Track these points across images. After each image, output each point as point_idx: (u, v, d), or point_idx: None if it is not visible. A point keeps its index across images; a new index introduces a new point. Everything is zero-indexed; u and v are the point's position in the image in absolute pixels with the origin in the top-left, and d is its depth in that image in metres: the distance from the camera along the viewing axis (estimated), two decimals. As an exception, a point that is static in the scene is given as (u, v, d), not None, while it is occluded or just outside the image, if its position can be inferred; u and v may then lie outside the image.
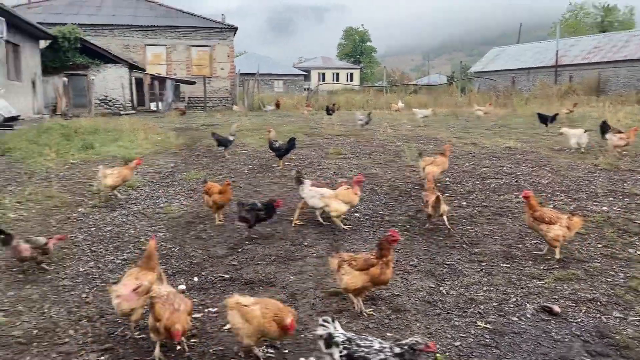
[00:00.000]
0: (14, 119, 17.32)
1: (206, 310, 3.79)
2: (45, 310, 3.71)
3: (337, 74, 67.00)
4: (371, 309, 3.71)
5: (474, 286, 4.12)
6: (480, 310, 3.71)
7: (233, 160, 9.79)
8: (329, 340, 2.67)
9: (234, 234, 5.56)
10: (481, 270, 4.46)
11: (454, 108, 22.59)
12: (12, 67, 21.18)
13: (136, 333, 3.36)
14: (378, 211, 6.23)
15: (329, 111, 17.95)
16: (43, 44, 26.25)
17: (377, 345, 2.58)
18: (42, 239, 4.39)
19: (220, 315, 3.68)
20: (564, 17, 60.20)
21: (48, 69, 26.14)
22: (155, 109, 28.57)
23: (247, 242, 5.25)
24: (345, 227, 5.62)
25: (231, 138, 10.23)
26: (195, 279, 4.37)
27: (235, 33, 33.20)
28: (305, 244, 5.16)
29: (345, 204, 5.45)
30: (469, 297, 3.93)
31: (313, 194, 5.59)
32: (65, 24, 27.20)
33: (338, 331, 2.71)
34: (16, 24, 20.19)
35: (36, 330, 3.40)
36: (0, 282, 4.18)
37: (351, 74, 67.86)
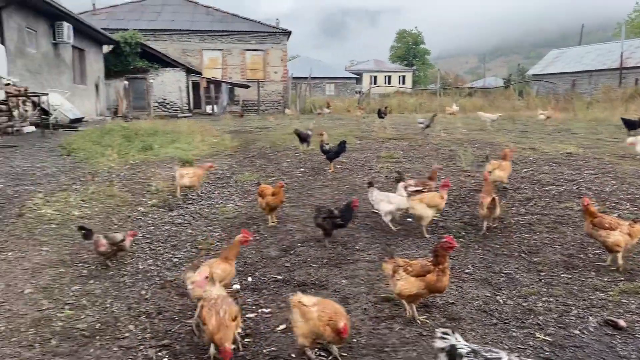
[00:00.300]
0: (79, 120, 18.17)
1: (259, 310, 3.83)
2: (107, 305, 3.86)
3: (389, 77, 66.56)
4: (425, 317, 3.65)
5: (533, 296, 3.98)
6: (539, 322, 3.58)
7: (285, 163, 9.89)
8: (452, 353, 2.50)
9: (286, 235, 5.61)
10: (540, 280, 4.31)
11: (511, 112, 21.94)
12: (77, 71, 22.25)
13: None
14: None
15: (381, 114, 17.83)
16: (106, 48, 27.44)
17: (505, 358, 2.42)
18: (119, 236, 4.58)
19: (273, 316, 3.72)
20: (629, 18, 57.36)
21: (110, 73, 27.29)
22: (210, 112, 29.29)
23: (299, 244, 5.28)
24: (395, 228, 5.61)
25: (310, 133, 11.40)
26: (249, 279, 4.43)
27: (288, 37, 33.59)
28: (357, 247, 5.15)
29: (431, 207, 5.35)
30: (528, 308, 3.79)
31: (381, 198, 5.62)
32: (127, 29, 28.33)
33: (461, 342, 2.55)
34: (82, 30, 21.19)
35: (99, 324, 3.54)
36: (66, 277, 4.38)
37: (403, 77, 67.25)
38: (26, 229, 5.61)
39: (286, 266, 4.72)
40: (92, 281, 4.30)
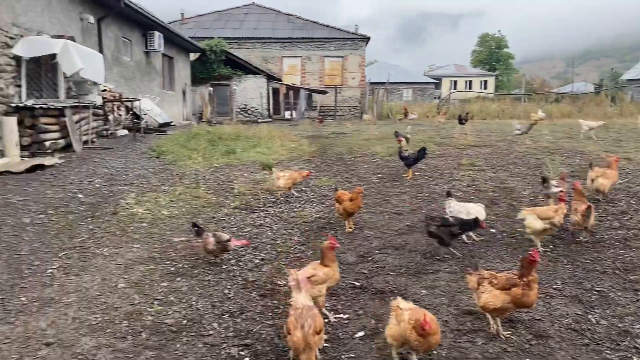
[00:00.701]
0: (167, 124, 19.15)
1: (337, 315, 3.84)
2: (193, 302, 4.02)
3: (470, 82, 64.79)
4: (509, 332, 3.50)
5: (629, 317, 3.71)
6: (637, 345, 3.33)
7: (362, 169, 9.88)
8: None
9: (363, 242, 5.60)
10: (638, 300, 4.00)
11: (603, 119, 20.63)
12: (166, 77, 23.49)
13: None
14: (516, 228, 5.87)
15: (462, 120, 17.39)
16: (193, 56, 28.75)
17: None
18: (225, 235, 4.76)
19: (351, 322, 3.72)
20: None
21: (196, 79, 28.59)
22: (289, 117, 29.87)
23: (377, 252, 5.25)
24: (471, 240, 5.44)
25: (408, 136, 11.92)
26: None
27: (367, 43, 33.64)
28: (437, 257, 5.03)
29: (542, 220, 5.10)
30: (623, 329, 3.54)
31: (459, 209, 5.48)
32: (213, 37, 29.56)
33: None
34: (171, 39, 22.36)
35: (185, 321, 3.70)
36: (155, 273, 4.61)
37: (485, 82, 65.21)
38: (120, 227, 5.98)
39: (364, 273, 4.71)
40: (179, 278, 4.50)
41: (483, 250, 5.21)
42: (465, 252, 5.18)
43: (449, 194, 5.88)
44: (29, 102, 10.58)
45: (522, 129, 13.30)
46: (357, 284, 4.44)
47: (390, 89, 35.70)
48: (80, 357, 3.18)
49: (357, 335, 3.54)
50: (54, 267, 4.71)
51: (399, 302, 3.15)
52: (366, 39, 33.41)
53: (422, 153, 8.74)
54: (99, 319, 3.70)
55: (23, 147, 10.37)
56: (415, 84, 58.33)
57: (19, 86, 10.84)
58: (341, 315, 3.83)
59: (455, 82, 64.38)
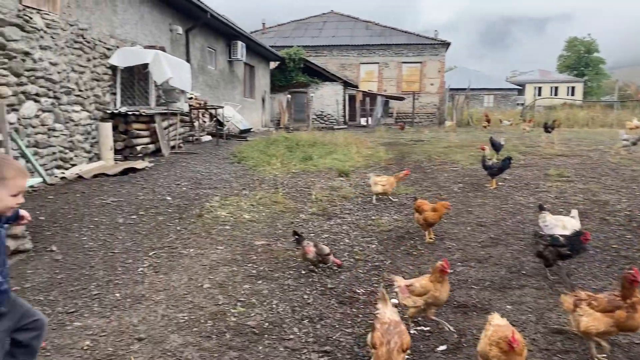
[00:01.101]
0: (247, 131, 19.74)
1: (418, 328, 3.76)
2: (274, 305, 4.09)
3: (556, 88, 61.73)
4: (604, 355, 3.27)
5: None
6: None
7: (442, 177, 9.67)
8: None
9: (444, 253, 5.46)
10: None
11: None
12: (247, 86, 24.24)
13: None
14: (611, 244, 5.50)
15: (548, 128, 16.57)
16: (272, 64, 29.48)
17: None
18: (326, 249, 4.83)
19: (433, 335, 3.63)
20: None
21: (275, 87, 29.27)
22: (365, 124, 29.84)
23: (459, 264, 5.10)
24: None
25: (503, 143, 11.63)
26: (407, 294, 4.38)
27: (447, 48, 32.97)
28: (524, 272, 4.81)
29: None
30: None
31: (556, 223, 5.21)
32: (292, 46, 30.17)
33: None
34: (253, 48, 23.05)
35: (267, 324, 3.77)
36: (238, 275, 4.74)
37: (572, 88, 61.87)
38: (205, 229, 6.22)
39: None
40: (260, 281, 4.61)
41: (574, 267, 4.92)
42: (553, 268, 4.92)
43: (541, 208, 5.57)
44: (123, 109, 11.28)
45: (632, 139, 12.16)
46: (438, 295, 4.33)
47: (470, 95, 34.72)
48: (168, 353, 3.32)
49: (438, 349, 3.45)
50: (144, 265, 4.97)
51: (493, 317, 3.02)
52: (446, 45, 32.75)
53: (506, 162, 8.42)
54: (186, 317, 3.85)
55: (117, 151, 11.07)
56: (496, 90, 56.39)
57: (114, 94, 11.59)
58: (422, 328, 3.75)
59: (540, 88, 61.56)
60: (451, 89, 35.18)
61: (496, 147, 11.45)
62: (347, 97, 30.82)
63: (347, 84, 30.85)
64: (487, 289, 4.44)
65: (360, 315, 3.93)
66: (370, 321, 3.77)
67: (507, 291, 4.38)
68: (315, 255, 4.76)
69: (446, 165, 11.02)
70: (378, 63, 33.15)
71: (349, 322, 3.82)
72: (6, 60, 8.05)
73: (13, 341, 2.51)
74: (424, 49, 32.76)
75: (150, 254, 5.30)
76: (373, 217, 6.92)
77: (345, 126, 28.84)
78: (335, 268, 4.92)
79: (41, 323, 2.58)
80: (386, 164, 11.67)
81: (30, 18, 8.61)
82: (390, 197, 7.91)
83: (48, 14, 9.14)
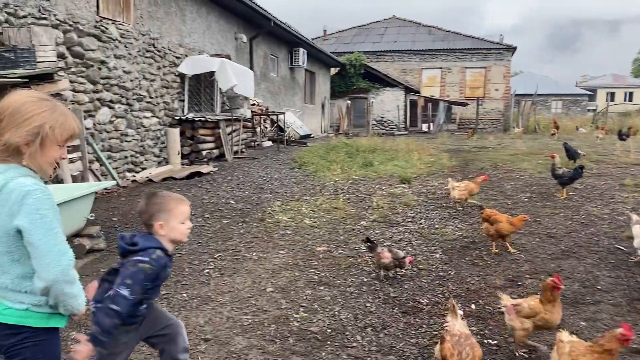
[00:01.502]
0: (307, 136, 19.91)
1: (485, 341, 3.64)
2: (336, 312, 4.08)
3: (630, 94, 58.49)
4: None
5: None
6: None
7: (508, 186, 9.35)
8: None
9: (512, 264, 5.26)
10: None
11: None
12: (308, 92, 24.49)
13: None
14: (696, 260, 5.12)
15: (622, 136, 15.69)
16: (333, 70, 29.64)
17: None
18: (401, 253, 4.79)
19: (500, 350, 3.50)
20: None
21: (335, 93, 29.41)
22: (426, 130, 29.41)
23: (527, 276, 4.90)
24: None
25: (580, 152, 11.25)
26: (473, 306, 4.25)
27: (513, 53, 32.00)
28: (599, 287, 4.55)
29: None
30: None
31: None
32: (353, 52, 30.23)
33: None
34: (314, 55, 23.28)
35: (329, 330, 3.76)
36: (300, 280, 4.77)
37: (649, 93, 58.41)
38: (267, 233, 6.31)
39: (513, 298, 4.41)
40: (322, 287, 4.61)
41: (655, 284, 4.61)
42: (631, 282, 4.63)
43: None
44: (190, 115, 11.68)
45: None
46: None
47: (537, 101, 33.49)
48: (234, 355, 3.38)
49: (507, 364, 3.32)
50: (210, 267, 5.10)
51: (562, 334, 2.90)
52: (512, 49, 31.78)
53: (578, 171, 8.03)
54: (250, 320, 3.91)
55: (183, 156, 11.47)
56: (565, 95, 54.06)
57: (182, 101, 12.02)
58: (489, 341, 3.63)
59: (613, 93, 58.52)
60: (517, 95, 34.10)
61: (571, 154, 11.01)
62: (408, 103, 30.51)
63: (408, 90, 30.54)
64: (558, 304, 4.23)
65: (424, 326, 3.85)
66: (436, 332, 3.69)
67: (580, 307, 4.16)
68: (391, 260, 4.71)
69: (512, 173, 10.65)
70: (441, 68, 32.62)
71: (413, 332, 3.75)
72: (84, 69, 8.52)
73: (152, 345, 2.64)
74: (488, 53, 31.94)
75: (215, 256, 5.44)
76: (437, 226, 6.78)
77: (406, 132, 28.54)
78: (400, 277, 4.86)
79: (175, 327, 2.63)
80: (449, 171, 11.42)
81: (106, 28, 9.08)
82: (472, 201, 7.78)
83: (122, 25, 9.61)
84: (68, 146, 6.63)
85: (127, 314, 2.17)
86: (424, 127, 30.01)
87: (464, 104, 30.96)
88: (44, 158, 1.79)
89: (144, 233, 2.39)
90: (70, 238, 5.27)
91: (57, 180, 7.08)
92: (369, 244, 4.98)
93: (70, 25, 8.18)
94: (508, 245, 5.69)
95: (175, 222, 2.38)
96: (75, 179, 7.36)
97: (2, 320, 1.78)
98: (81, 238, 5.38)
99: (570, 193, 8.29)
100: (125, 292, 2.15)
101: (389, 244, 5.97)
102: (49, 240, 1.69)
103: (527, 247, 5.79)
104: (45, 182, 5.37)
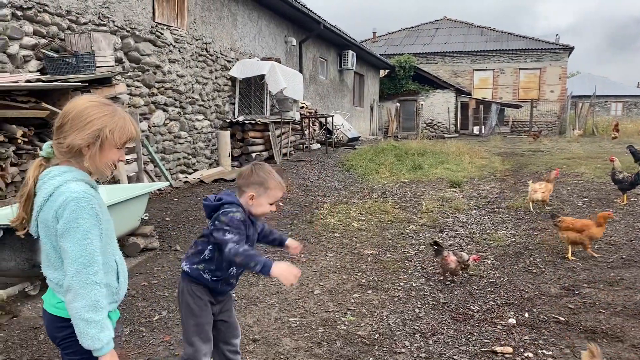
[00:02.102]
0: (356, 139, 19.86)
1: (540, 351, 3.50)
2: (384, 317, 4.03)
3: (699, 94, 55.16)
4: None
5: None
6: None
7: (564, 191, 9.01)
8: None
9: (568, 272, 5.05)
10: None
11: None
12: (357, 94, 24.44)
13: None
14: None
15: (689, 139, 14.86)
16: (382, 72, 29.47)
17: None
18: (465, 255, 4.76)
19: (556, 362, 3.36)
20: None
21: (384, 95, 29.23)
22: (477, 133, 28.77)
23: (585, 285, 4.69)
24: None
25: None
26: (526, 314, 4.11)
27: (570, 53, 30.86)
28: (664, 299, 4.31)
29: None
30: None
31: None
32: (402, 54, 29.95)
33: None
34: (363, 57, 23.21)
35: (377, 335, 3.72)
36: (348, 283, 4.75)
37: None
38: (314, 235, 6.32)
39: (569, 307, 4.23)
40: (370, 291, 4.57)
41: None
42: (701, 296, 4.35)
43: None
44: (240, 118, 11.87)
45: None
46: (561, 319, 4.01)
47: (595, 103, 32.12)
48: (281, 356, 3.39)
49: (563, 377, 3.19)
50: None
51: (593, 348, 2.74)
52: (568, 49, 30.65)
53: (640, 176, 7.65)
54: (297, 322, 3.92)
55: (233, 158, 11.67)
56: (626, 97, 51.57)
57: (233, 104, 12.24)
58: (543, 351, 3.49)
59: (678, 94, 55.39)
60: (573, 96, 32.83)
61: (637, 156, 10.57)
62: (459, 105, 29.95)
63: (459, 92, 29.98)
64: (618, 315, 4.03)
65: (475, 334, 3.74)
66: (487, 340, 3.59)
67: (643, 319, 3.94)
68: (456, 263, 4.63)
69: (569, 177, 10.26)
70: (493, 69, 31.84)
71: (463, 339, 3.66)
72: (140, 73, 8.81)
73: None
74: (543, 54, 30.92)
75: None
76: (488, 231, 6.60)
77: (457, 135, 28.01)
78: (450, 283, 4.76)
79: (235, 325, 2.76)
80: (502, 175, 11.13)
81: (161, 34, 9.36)
82: (545, 205, 7.63)
83: (177, 30, 9.89)
84: (125, 148, 6.86)
85: (235, 255, 2.23)
86: (475, 129, 29.36)
87: (518, 106, 30.10)
88: (103, 160, 1.86)
89: (228, 193, 2.51)
90: (126, 237, 5.46)
91: (114, 180, 7.35)
92: (436, 247, 4.91)
93: (127, 31, 8.49)
94: (570, 249, 5.45)
95: (264, 200, 2.46)
96: (130, 180, 7.61)
97: (56, 313, 1.85)
98: (136, 237, 5.55)
99: (632, 199, 7.90)
100: (227, 236, 2.27)
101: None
102: (77, 250, 1.74)
103: (584, 255, 5.55)
104: (102, 182, 5.57)
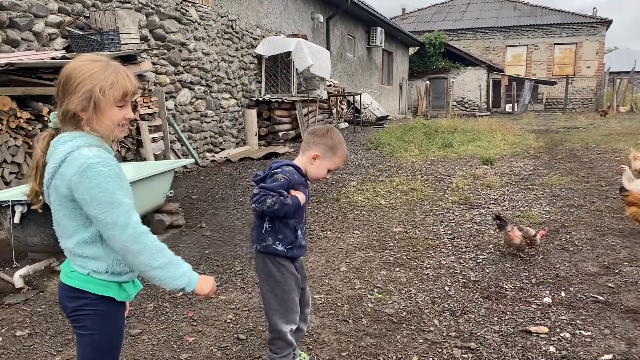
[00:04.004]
0: (384, 118, 19.58)
1: (577, 331, 3.33)
2: (412, 295, 3.90)
3: None
4: None
5: None
6: None
7: (602, 167, 8.65)
8: None
9: (607, 250, 4.81)
10: None
11: None
12: (385, 72, 24.03)
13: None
14: None
15: None
16: (411, 50, 28.88)
17: None
18: (532, 231, 4.58)
19: (594, 342, 3.18)
20: None
21: (413, 73, 28.68)
22: (510, 110, 28.07)
23: (626, 263, 4.46)
24: None
25: None
26: (563, 293, 3.91)
27: (608, 27, 29.64)
28: None
29: None
30: None
31: None
32: (432, 30, 29.28)
33: None
34: (392, 34, 22.75)
35: (405, 313, 3.60)
36: (374, 261, 4.63)
37: None
38: (341, 213, 6.20)
39: (609, 287, 4.02)
40: (397, 268, 4.44)
41: None
42: None
43: None
44: (267, 97, 11.76)
45: None
46: (600, 298, 3.80)
47: (635, 79, 30.84)
48: (306, 333, 3.30)
49: (602, 358, 3.01)
50: (284, 245, 5.07)
51: None
52: (606, 23, 29.43)
53: (684, 151, 7.26)
54: (323, 299, 3.82)
55: (260, 137, 11.59)
56: (667, 72, 49.42)
57: (259, 82, 12.13)
58: (581, 332, 3.31)
59: None
60: (611, 72, 31.61)
61: None
62: (490, 82, 29.19)
63: (491, 68, 29.20)
64: (663, 295, 3.80)
65: (508, 313, 3.58)
66: (521, 320, 3.43)
67: (691, 299, 3.71)
68: (522, 239, 4.46)
69: (607, 154, 9.85)
70: (526, 45, 30.85)
71: (495, 318, 3.50)
72: (165, 51, 8.76)
73: None
74: (579, 28, 29.76)
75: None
76: (522, 208, 6.37)
77: (488, 113, 27.36)
78: (481, 261, 4.59)
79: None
80: (536, 152, 10.77)
81: (186, 11, 9.27)
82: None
83: (202, 7, 9.78)
84: (150, 127, 6.78)
85: (273, 208, 2.27)
86: (508, 107, 28.61)
87: (552, 83, 29.16)
88: (104, 122, 1.72)
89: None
90: (151, 214, 5.44)
91: (141, 158, 7.36)
92: (498, 221, 4.75)
93: (152, 9, 8.42)
94: None
95: (326, 164, 2.47)
96: (157, 158, 7.61)
97: (68, 282, 1.78)
98: (161, 214, 5.53)
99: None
100: (264, 193, 2.28)
101: (469, 226, 5.68)
102: (111, 214, 1.64)
103: (624, 232, 5.29)
104: (125, 159, 5.47)
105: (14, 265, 4.17)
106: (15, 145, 5.46)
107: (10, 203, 3.82)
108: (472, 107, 29.07)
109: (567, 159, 9.67)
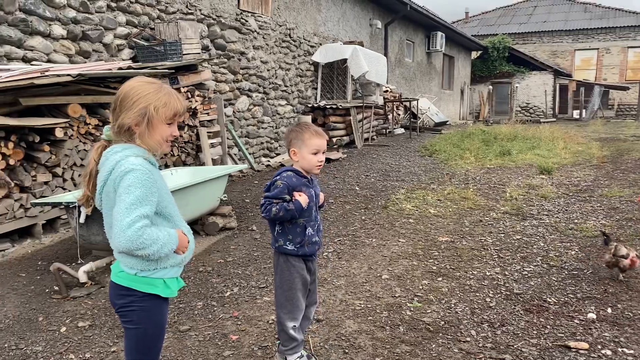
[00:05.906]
0: (443, 123, 19.34)
1: (619, 349, 3.25)
2: (452, 305, 3.93)
3: None
4: None
5: None
6: None
7: (671, 179, 8.21)
8: None
9: (664, 268, 4.62)
10: None
11: None
12: (446, 77, 23.71)
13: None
14: None
15: None
16: (474, 54, 28.31)
17: None
18: (624, 250, 4.30)
19: (638, 362, 3.11)
20: None
21: (475, 78, 28.10)
22: (577, 117, 26.94)
23: (683, 282, 4.27)
24: None
25: None
26: (609, 310, 3.82)
27: (688, 28, 27.82)
28: None
29: None
30: None
31: None
32: (497, 34, 28.58)
33: None
34: (453, 38, 22.43)
35: (442, 322, 3.64)
36: (417, 270, 4.67)
37: None
38: (388, 220, 6.26)
39: (660, 306, 3.88)
40: (440, 278, 4.47)
41: None
42: None
43: None
44: (322, 103, 11.96)
45: None
46: (651, 317, 3.69)
47: None
48: (343, 338, 3.42)
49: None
50: (329, 250, 5.20)
51: None
52: (686, 24, 27.66)
53: None
54: (362, 305, 3.92)
55: (315, 142, 11.79)
56: None
57: (315, 89, 12.36)
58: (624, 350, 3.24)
59: None
60: (692, 76, 29.67)
61: None
62: (557, 88, 28.12)
63: (558, 73, 28.13)
64: None
65: (549, 327, 3.54)
66: (562, 335, 3.39)
67: None
68: (610, 257, 4.31)
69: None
70: (597, 49, 29.49)
71: (535, 332, 3.48)
72: (225, 60, 9.13)
73: None
74: (656, 30, 28.13)
75: (335, 240, 5.53)
76: (576, 220, 6.19)
77: (554, 119, 26.38)
78: (527, 274, 4.53)
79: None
80: (599, 162, 10.35)
81: (246, 21, 9.62)
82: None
83: (261, 16, 10.12)
84: (209, 132, 7.12)
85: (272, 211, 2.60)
86: (575, 113, 27.45)
87: (625, 88, 27.71)
88: (154, 137, 1.96)
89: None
90: (206, 216, 5.73)
91: (200, 163, 7.72)
92: (605, 237, 4.66)
93: (214, 19, 8.81)
94: None
95: (306, 152, 2.64)
96: (215, 163, 7.96)
97: (117, 281, 2.00)
98: (215, 217, 5.81)
99: None
100: (268, 202, 2.63)
101: (518, 237, 5.60)
102: (123, 214, 1.82)
103: (685, 249, 5.04)
104: (165, 166, 5.80)
105: (79, 262, 4.53)
106: (85, 149, 5.90)
107: (77, 204, 4.17)
108: (537, 112, 28.12)
109: (632, 170, 9.23)
